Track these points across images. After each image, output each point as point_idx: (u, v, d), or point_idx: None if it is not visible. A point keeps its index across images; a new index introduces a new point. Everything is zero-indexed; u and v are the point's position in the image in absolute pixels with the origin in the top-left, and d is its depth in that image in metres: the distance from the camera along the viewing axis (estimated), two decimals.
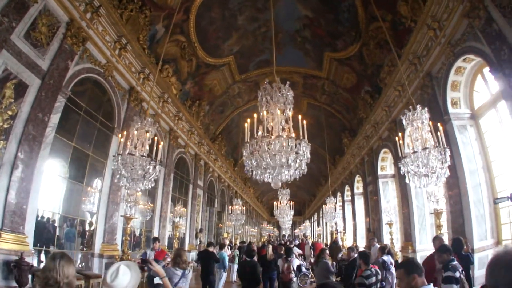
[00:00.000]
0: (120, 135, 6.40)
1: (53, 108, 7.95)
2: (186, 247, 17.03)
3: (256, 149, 4.98)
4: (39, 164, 7.53)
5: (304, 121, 5.26)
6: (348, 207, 23.64)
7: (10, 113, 6.90)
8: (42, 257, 8.41)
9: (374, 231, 16.62)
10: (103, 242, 9.94)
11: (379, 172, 16.41)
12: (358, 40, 13.80)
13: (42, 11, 7.68)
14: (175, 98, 15.05)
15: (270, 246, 10.54)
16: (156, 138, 6.69)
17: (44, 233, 8.64)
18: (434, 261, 5.35)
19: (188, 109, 16.85)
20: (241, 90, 19.77)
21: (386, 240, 13.72)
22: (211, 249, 9.25)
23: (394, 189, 15.78)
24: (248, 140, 5.13)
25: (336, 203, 18.57)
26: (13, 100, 6.96)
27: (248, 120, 5.32)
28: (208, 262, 8.91)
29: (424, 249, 11.12)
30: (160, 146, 6.83)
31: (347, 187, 24.17)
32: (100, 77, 10.18)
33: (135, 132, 6.36)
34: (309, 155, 5.11)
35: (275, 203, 17.28)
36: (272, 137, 5.06)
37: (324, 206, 18.51)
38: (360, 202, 20.76)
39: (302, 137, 5.13)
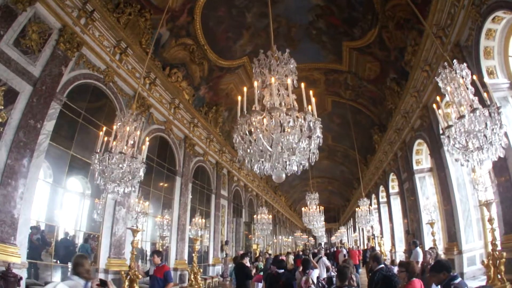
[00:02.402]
0: (100, 132, 5.67)
1: (47, 115, 7.66)
2: (211, 261, 16.17)
3: (245, 130, 3.99)
4: (32, 172, 7.18)
5: (311, 92, 4.21)
6: (384, 209, 22.01)
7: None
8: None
9: (413, 233, 15.05)
10: (109, 257, 9.30)
11: (415, 167, 14.95)
12: (375, 24, 12.66)
13: (32, 19, 7.50)
14: (188, 104, 14.43)
15: (291, 256, 9.79)
16: (138, 132, 5.83)
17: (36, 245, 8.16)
18: None
19: (204, 115, 16.17)
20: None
21: (428, 242, 12.20)
22: (245, 261, 8.31)
23: (432, 184, 14.28)
24: (239, 118, 4.14)
25: (370, 205, 17.08)
26: (2, 107, 6.76)
27: (239, 97, 4.34)
28: (240, 276, 8.02)
29: (471, 249, 9.65)
30: (146, 143, 6.02)
31: (381, 188, 22.55)
32: (100, 83, 9.77)
33: (115, 127, 5.58)
34: (320, 134, 4.02)
35: (303, 209, 16.11)
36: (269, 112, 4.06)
37: (357, 209, 17.09)
38: (396, 203, 19.18)
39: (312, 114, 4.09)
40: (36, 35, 7.56)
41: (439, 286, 4.02)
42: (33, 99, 7.31)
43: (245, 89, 4.30)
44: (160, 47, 12.35)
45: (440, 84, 5.09)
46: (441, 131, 5.22)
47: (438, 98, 5.23)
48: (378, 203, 22.81)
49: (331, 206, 49.12)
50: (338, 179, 37.31)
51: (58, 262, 8.83)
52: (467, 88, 4.81)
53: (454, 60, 5.05)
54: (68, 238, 9.26)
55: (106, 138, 5.60)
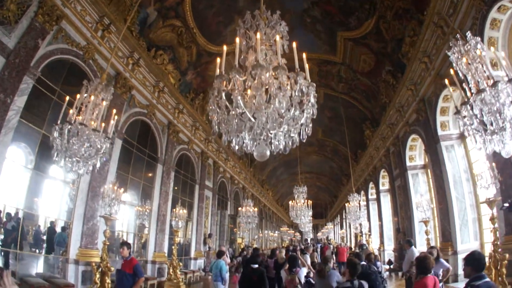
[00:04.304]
0: (64, 102, 4.98)
1: (18, 89, 7.20)
2: (192, 254, 15.55)
3: (221, 93, 3.31)
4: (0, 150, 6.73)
5: (304, 55, 3.57)
6: (373, 206, 21.70)
7: None
8: None
9: (404, 231, 14.63)
10: (80, 247, 8.64)
11: (408, 163, 14.56)
12: (373, 14, 12.14)
13: None
14: (174, 88, 13.72)
15: (284, 250, 9.60)
16: (104, 103, 5.08)
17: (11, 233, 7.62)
18: None
19: (191, 102, 15.46)
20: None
21: (420, 241, 11.76)
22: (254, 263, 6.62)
23: (425, 181, 13.93)
24: (215, 80, 3.42)
25: (360, 201, 16.58)
26: None
27: (218, 59, 3.64)
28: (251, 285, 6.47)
29: (467, 250, 9.14)
30: (115, 117, 5.29)
31: (371, 185, 22.22)
32: (78, 60, 9.13)
33: (79, 96, 4.86)
34: (313, 101, 3.33)
35: (290, 202, 15.49)
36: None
37: (347, 204, 16.57)
38: (386, 200, 18.88)
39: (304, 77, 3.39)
40: (14, 6, 7.04)
41: None
42: (5, 72, 6.82)
43: (224, 47, 3.64)
44: (147, 27, 11.62)
45: (452, 58, 4.46)
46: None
47: (451, 71, 4.55)
48: (367, 200, 22.41)
49: (318, 202, 48.76)
50: (326, 174, 36.93)
51: (38, 251, 8.47)
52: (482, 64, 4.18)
53: (468, 32, 4.45)
54: (47, 226, 8.80)
55: (71, 111, 4.89)
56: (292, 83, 3.36)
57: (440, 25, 9.52)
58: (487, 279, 3.21)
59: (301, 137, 3.45)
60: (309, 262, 9.71)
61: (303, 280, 6.77)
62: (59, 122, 4.72)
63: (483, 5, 7.62)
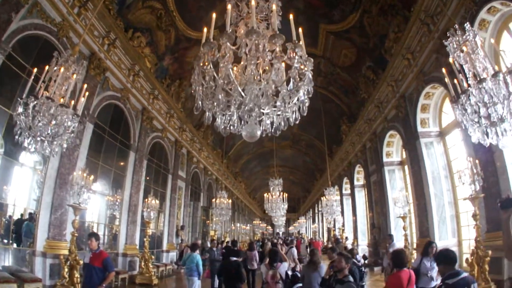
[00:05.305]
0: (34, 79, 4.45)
1: None
2: (165, 247, 15.09)
3: (209, 60, 2.96)
4: None
5: (300, 29, 3.27)
6: (347, 202, 21.86)
7: None
8: None
9: (379, 227, 14.73)
10: (48, 238, 8.03)
11: (385, 159, 14.60)
12: (358, 8, 12.02)
13: None
14: (150, 72, 13.07)
15: (269, 243, 10.20)
16: (75, 76, 4.55)
17: None
18: None
19: (166, 88, 14.82)
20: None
21: (397, 237, 11.82)
22: (234, 256, 6.68)
23: (401, 178, 14.04)
24: (202, 47, 3.02)
25: (335, 194, 16.57)
26: None
27: (205, 29, 3.25)
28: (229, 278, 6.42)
29: (445, 246, 9.24)
30: (86, 94, 4.78)
31: (345, 180, 22.37)
32: (52, 37, 8.46)
33: (47, 68, 4.33)
34: (310, 76, 3.01)
35: (265, 195, 15.29)
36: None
37: (323, 198, 16.54)
38: (361, 195, 19.03)
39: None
40: None
41: None
42: None
43: (214, 15, 3.29)
44: (125, 7, 10.99)
45: (450, 48, 4.31)
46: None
47: (451, 59, 4.39)
48: (341, 195, 22.50)
49: (291, 196, 48.91)
50: (300, 169, 37.11)
51: (7, 242, 7.92)
52: (479, 54, 4.04)
53: (467, 23, 4.30)
54: (17, 217, 8.30)
55: (39, 85, 4.36)
56: (289, 56, 3.07)
57: (426, 22, 9.48)
58: (464, 275, 3.11)
59: (295, 117, 3.16)
60: (295, 255, 9.61)
61: (283, 275, 6.55)
62: (24, 96, 4.17)
63: (473, 5, 7.60)
